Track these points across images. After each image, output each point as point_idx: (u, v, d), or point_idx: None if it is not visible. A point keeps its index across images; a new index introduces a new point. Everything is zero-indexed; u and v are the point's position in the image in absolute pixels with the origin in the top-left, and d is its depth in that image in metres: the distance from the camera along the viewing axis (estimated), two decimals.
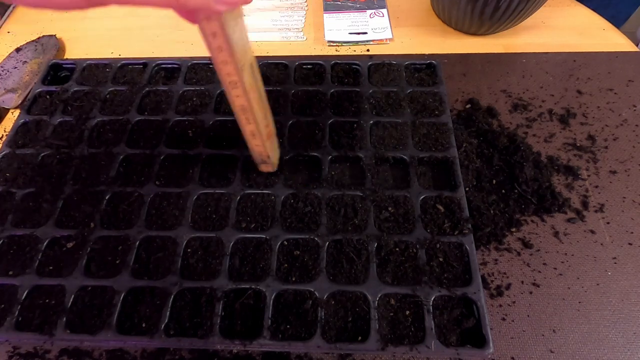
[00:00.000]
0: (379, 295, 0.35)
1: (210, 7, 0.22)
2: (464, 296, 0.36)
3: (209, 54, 0.27)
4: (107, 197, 0.42)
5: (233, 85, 0.30)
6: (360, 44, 0.60)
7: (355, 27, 0.61)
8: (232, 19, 0.26)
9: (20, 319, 0.36)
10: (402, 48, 0.60)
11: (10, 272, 0.38)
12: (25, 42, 0.61)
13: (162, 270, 0.38)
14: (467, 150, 0.46)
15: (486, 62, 0.57)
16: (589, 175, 0.46)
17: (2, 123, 0.53)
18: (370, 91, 0.49)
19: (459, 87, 0.54)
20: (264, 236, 0.39)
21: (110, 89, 0.51)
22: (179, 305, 0.36)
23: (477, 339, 0.34)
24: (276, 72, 0.53)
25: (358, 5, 0.65)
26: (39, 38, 0.62)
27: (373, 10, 0.64)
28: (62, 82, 0.53)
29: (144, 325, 0.35)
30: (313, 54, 0.59)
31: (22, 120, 0.48)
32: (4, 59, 0.59)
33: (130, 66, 0.54)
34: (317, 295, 0.36)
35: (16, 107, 0.54)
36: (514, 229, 0.42)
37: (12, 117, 0.53)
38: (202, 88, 0.51)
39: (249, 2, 0.28)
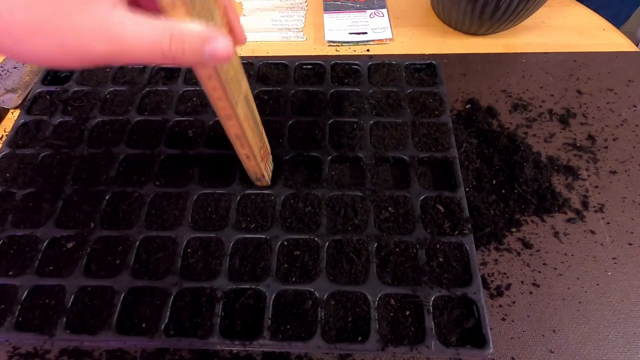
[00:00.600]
0: (379, 296, 0.35)
1: (204, 63, 0.23)
2: (464, 296, 0.36)
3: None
4: (107, 197, 0.42)
5: (228, 118, 0.31)
6: (360, 44, 0.60)
7: (355, 27, 0.61)
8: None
9: (20, 319, 0.36)
10: (402, 48, 0.60)
11: (10, 272, 0.38)
12: None
13: (162, 270, 0.38)
14: (467, 150, 0.46)
15: (486, 62, 0.57)
16: (589, 176, 0.46)
17: (2, 123, 0.53)
18: (370, 91, 0.49)
19: (459, 87, 0.54)
20: (264, 236, 0.39)
21: (110, 89, 0.51)
22: (179, 305, 0.36)
23: (477, 339, 0.34)
24: (276, 72, 0.53)
25: (358, 5, 0.65)
26: None
27: (373, 10, 0.64)
28: (62, 82, 0.53)
29: (144, 325, 0.35)
30: (313, 54, 0.59)
31: (22, 120, 0.48)
32: (4, 59, 0.59)
33: (130, 66, 0.54)
34: (317, 295, 0.36)
35: (16, 107, 0.54)
36: (514, 229, 0.42)
37: (12, 117, 0.53)
38: (202, 88, 0.50)
39: (243, 44, 0.29)
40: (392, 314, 0.35)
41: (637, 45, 0.59)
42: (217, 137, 0.46)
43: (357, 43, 0.60)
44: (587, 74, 0.55)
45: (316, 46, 0.60)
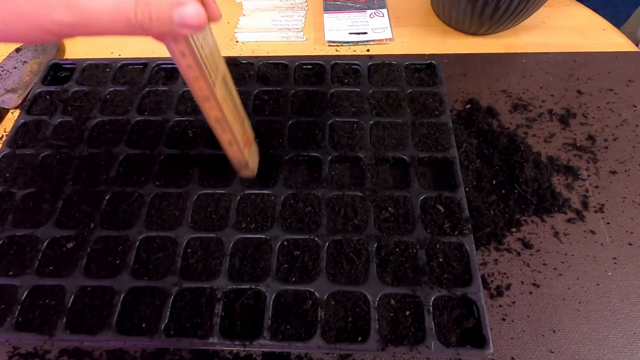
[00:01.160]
0: (379, 296, 0.35)
1: (174, 32, 0.22)
2: (464, 296, 0.36)
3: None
4: (107, 197, 0.42)
5: (206, 99, 0.30)
6: (360, 44, 0.60)
7: (355, 27, 0.61)
8: (200, 37, 0.27)
9: (20, 319, 0.36)
10: (402, 48, 0.60)
11: (10, 272, 0.38)
12: None
13: (162, 270, 0.38)
14: (467, 150, 0.46)
15: (486, 62, 0.57)
16: (589, 176, 0.46)
17: (2, 123, 0.53)
18: (370, 91, 0.49)
19: (459, 87, 0.54)
20: (264, 236, 0.39)
21: (110, 89, 0.51)
22: (179, 305, 0.36)
23: (477, 339, 0.34)
24: (276, 72, 0.53)
25: (358, 5, 0.65)
26: None
27: (373, 10, 0.64)
28: (62, 82, 0.53)
29: (144, 325, 0.35)
30: (313, 54, 0.59)
31: (22, 120, 0.48)
32: (4, 59, 0.59)
33: (130, 66, 0.54)
34: (317, 295, 0.36)
35: (16, 107, 0.54)
36: (514, 229, 0.42)
37: (12, 117, 0.53)
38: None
39: (218, 21, 0.28)
40: (392, 314, 0.35)
41: (637, 45, 0.59)
42: None
43: (357, 43, 0.60)
44: (587, 74, 0.55)
45: (316, 46, 0.60)
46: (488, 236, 0.41)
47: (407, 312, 0.35)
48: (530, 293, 0.39)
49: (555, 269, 0.40)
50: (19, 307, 0.36)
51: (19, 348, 0.37)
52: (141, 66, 0.54)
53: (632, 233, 0.42)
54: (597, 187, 0.45)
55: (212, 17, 0.28)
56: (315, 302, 0.35)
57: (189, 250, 0.39)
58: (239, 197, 0.41)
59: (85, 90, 0.51)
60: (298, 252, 0.38)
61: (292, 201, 0.41)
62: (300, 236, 0.39)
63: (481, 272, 0.39)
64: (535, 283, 0.39)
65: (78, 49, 0.62)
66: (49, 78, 0.53)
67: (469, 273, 0.37)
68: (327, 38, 0.60)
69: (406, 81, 0.51)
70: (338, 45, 0.60)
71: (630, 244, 0.41)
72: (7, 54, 0.59)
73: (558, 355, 0.36)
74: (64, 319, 0.35)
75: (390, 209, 0.41)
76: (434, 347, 0.33)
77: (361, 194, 0.41)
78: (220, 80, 0.31)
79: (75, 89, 0.51)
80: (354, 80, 0.51)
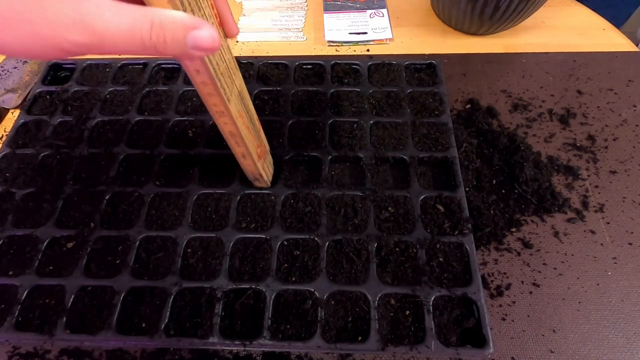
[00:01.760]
0: (379, 295, 0.35)
1: (188, 54, 0.22)
2: (464, 296, 0.36)
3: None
4: (107, 197, 0.42)
5: (220, 114, 0.30)
6: (360, 44, 0.60)
7: (355, 27, 0.61)
8: (216, 54, 0.26)
9: (20, 319, 0.36)
10: (402, 48, 0.60)
11: (10, 272, 0.38)
12: None
13: (162, 270, 0.38)
14: (467, 150, 0.46)
15: (486, 62, 0.57)
16: (589, 175, 0.46)
17: (2, 123, 0.53)
18: (370, 91, 0.49)
19: (459, 87, 0.54)
20: (264, 236, 0.39)
21: (110, 89, 0.51)
22: (179, 305, 0.36)
23: (477, 339, 0.34)
24: (276, 72, 0.53)
25: (358, 5, 0.65)
26: None
27: (373, 10, 0.64)
28: (62, 82, 0.53)
29: (144, 325, 0.35)
30: (313, 54, 0.59)
31: (22, 120, 0.48)
32: (4, 59, 0.59)
33: (130, 66, 0.54)
34: (317, 295, 0.36)
35: (16, 107, 0.53)
36: (514, 229, 0.42)
37: (12, 117, 0.53)
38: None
39: (235, 36, 0.28)
40: (392, 314, 0.35)
41: (637, 45, 0.59)
42: (217, 137, 0.46)
43: (357, 43, 0.60)
44: (587, 74, 0.55)
45: (316, 46, 0.60)
46: (488, 236, 0.41)
47: (407, 312, 0.35)
48: (530, 293, 0.39)
49: (555, 268, 0.40)
50: (19, 307, 0.36)
51: (19, 348, 0.37)
52: (141, 66, 0.54)
53: (632, 233, 0.42)
54: (597, 187, 0.45)
55: (228, 33, 0.28)
56: (315, 302, 0.35)
57: (189, 250, 0.39)
58: (239, 197, 0.41)
59: (85, 90, 0.51)
60: (298, 252, 0.38)
61: (292, 201, 0.41)
62: (300, 236, 0.39)
63: (481, 272, 0.39)
64: (535, 283, 0.39)
65: None
66: (49, 78, 0.53)
67: (469, 273, 0.37)
68: (327, 38, 0.60)
69: (406, 81, 0.51)
70: (338, 45, 0.60)
71: (630, 244, 0.41)
72: None
73: (558, 355, 0.36)
74: (64, 319, 0.35)
75: (390, 208, 0.41)
76: (434, 347, 0.33)
77: (361, 194, 0.41)
78: (235, 95, 0.31)
79: (75, 89, 0.51)
80: (354, 80, 0.51)
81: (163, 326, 0.35)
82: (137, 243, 0.39)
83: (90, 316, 0.36)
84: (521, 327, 0.37)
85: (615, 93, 0.53)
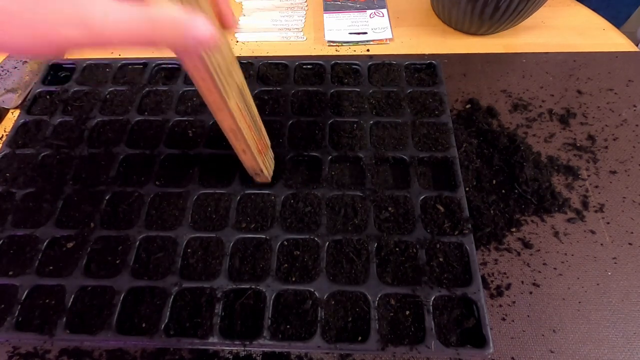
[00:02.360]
0: (379, 295, 0.35)
1: (186, 48, 0.22)
2: (464, 296, 0.36)
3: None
4: (107, 197, 0.42)
5: (219, 110, 0.30)
6: (360, 44, 0.60)
7: (355, 27, 0.61)
8: (214, 50, 0.26)
9: (20, 319, 0.36)
10: (402, 48, 0.60)
11: (10, 272, 0.38)
12: None
13: (162, 270, 0.38)
14: (467, 150, 0.46)
15: (486, 62, 0.57)
16: (589, 175, 0.46)
17: (2, 123, 0.53)
18: (370, 91, 0.49)
19: (459, 87, 0.54)
20: (264, 236, 0.39)
21: (110, 89, 0.51)
22: (179, 305, 0.36)
23: (477, 339, 0.34)
24: (276, 72, 0.53)
25: (358, 5, 0.65)
26: None
27: (373, 10, 0.64)
28: (62, 82, 0.53)
29: (144, 325, 0.35)
30: (313, 54, 0.59)
31: (22, 120, 0.48)
32: (4, 59, 0.59)
33: (130, 66, 0.54)
34: (317, 295, 0.36)
35: (16, 107, 0.53)
36: (514, 229, 0.42)
37: (12, 117, 0.53)
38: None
39: (232, 28, 0.28)
40: (392, 314, 0.35)
41: (637, 45, 0.59)
42: (217, 137, 0.46)
43: (357, 43, 0.60)
44: (587, 74, 0.55)
45: (316, 46, 0.60)
46: (488, 236, 0.41)
47: (407, 312, 0.35)
48: (530, 293, 0.39)
49: (555, 268, 0.40)
50: (19, 307, 0.36)
51: (19, 348, 0.37)
52: (141, 66, 0.54)
53: (632, 233, 0.42)
54: (597, 187, 0.45)
55: (227, 25, 0.28)
56: (315, 302, 0.35)
57: (189, 250, 0.39)
58: (239, 197, 0.41)
59: (85, 90, 0.51)
60: (298, 252, 0.38)
61: (292, 201, 0.41)
62: (300, 236, 0.39)
63: (481, 272, 0.39)
64: (535, 283, 0.39)
65: None
66: (49, 78, 0.53)
67: (469, 273, 0.37)
68: (327, 38, 0.60)
69: (406, 81, 0.51)
70: (338, 45, 0.60)
71: (630, 244, 0.41)
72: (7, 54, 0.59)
73: (558, 355, 0.36)
74: (64, 319, 0.35)
75: (390, 208, 0.41)
76: (434, 347, 0.33)
77: (361, 194, 0.41)
78: (235, 91, 0.31)
79: (75, 89, 0.51)
80: (354, 80, 0.51)
81: (163, 326, 0.35)
82: (137, 243, 0.39)
83: (90, 316, 0.36)
84: (521, 327, 0.37)
85: (615, 93, 0.53)
